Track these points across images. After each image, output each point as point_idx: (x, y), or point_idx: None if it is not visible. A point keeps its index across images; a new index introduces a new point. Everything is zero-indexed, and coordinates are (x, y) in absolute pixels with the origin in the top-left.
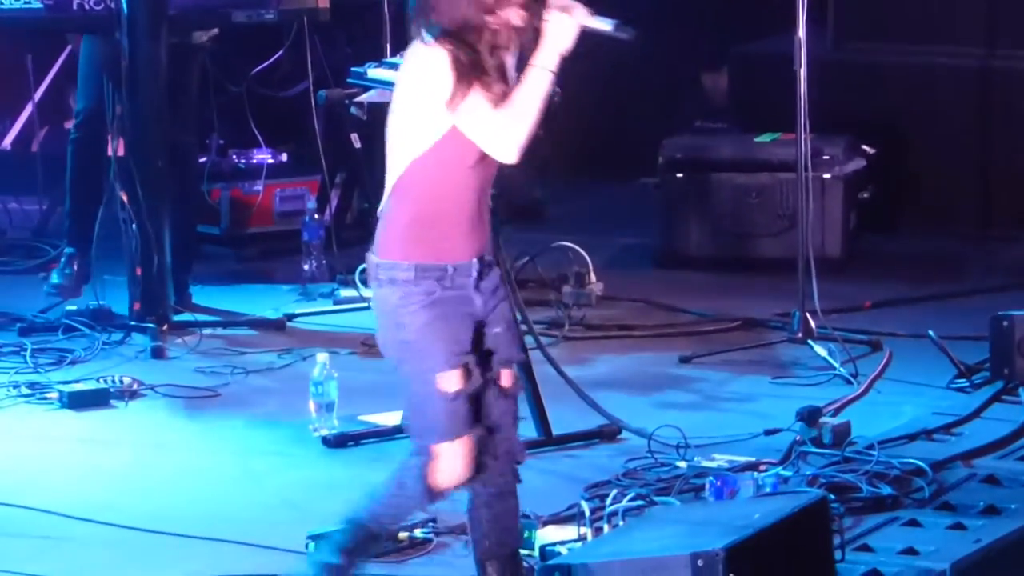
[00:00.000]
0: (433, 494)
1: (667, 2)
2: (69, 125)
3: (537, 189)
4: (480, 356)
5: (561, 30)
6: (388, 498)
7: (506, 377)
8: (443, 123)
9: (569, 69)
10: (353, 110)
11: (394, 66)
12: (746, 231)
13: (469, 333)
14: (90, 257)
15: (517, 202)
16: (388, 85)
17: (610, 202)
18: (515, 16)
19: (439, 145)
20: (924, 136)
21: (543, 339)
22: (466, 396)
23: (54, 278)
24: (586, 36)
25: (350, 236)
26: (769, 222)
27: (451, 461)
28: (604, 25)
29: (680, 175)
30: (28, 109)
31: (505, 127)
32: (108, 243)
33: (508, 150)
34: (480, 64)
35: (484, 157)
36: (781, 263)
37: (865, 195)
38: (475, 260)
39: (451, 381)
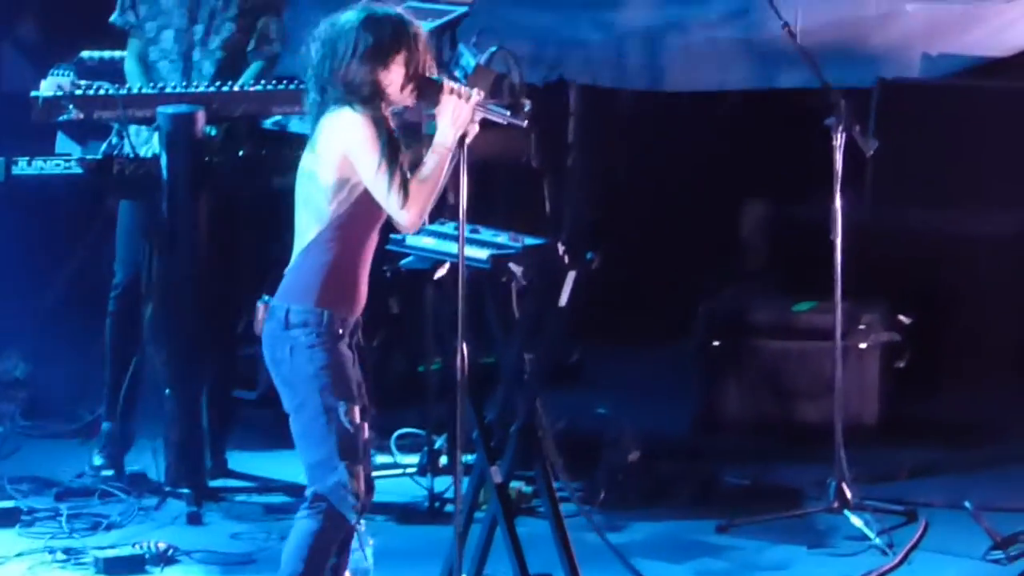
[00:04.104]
0: (339, 523)
1: (713, 165)
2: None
3: (575, 351)
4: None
5: (458, 113)
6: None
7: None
8: (361, 185)
9: (607, 230)
10: (388, 274)
11: (433, 234)
12: (784, 397)
13: (358, 379)
14: (130, 428)
15: (555, 364)
16: (427, 252)
17: (649, 365)
18: (408, 97)
19: (357, 202)
20: (963, 302)
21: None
22: (361, 431)
23: (96, 460)
24: None
25: (389, 399)
26: (807, 388)
27: (355, 482)
28: (499, 114)
29: (717, 341)
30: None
31: (413, 199)
32: (146, 406)
33: (412, 220)
34: (395, 140)
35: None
36: (819, 429)
37: (901, 365)
38: (359, 318)
39: (355, 413)
